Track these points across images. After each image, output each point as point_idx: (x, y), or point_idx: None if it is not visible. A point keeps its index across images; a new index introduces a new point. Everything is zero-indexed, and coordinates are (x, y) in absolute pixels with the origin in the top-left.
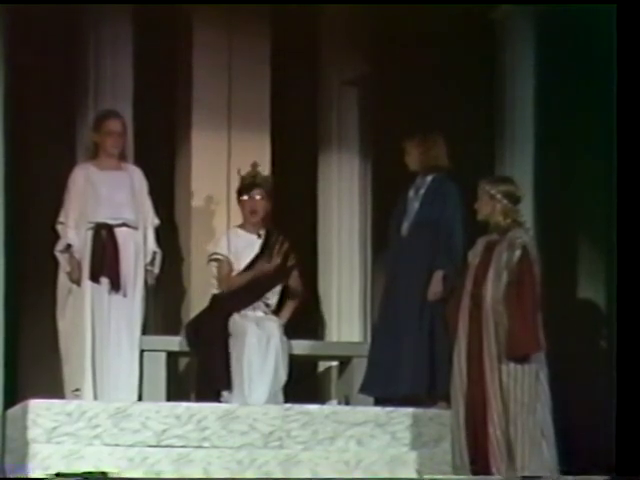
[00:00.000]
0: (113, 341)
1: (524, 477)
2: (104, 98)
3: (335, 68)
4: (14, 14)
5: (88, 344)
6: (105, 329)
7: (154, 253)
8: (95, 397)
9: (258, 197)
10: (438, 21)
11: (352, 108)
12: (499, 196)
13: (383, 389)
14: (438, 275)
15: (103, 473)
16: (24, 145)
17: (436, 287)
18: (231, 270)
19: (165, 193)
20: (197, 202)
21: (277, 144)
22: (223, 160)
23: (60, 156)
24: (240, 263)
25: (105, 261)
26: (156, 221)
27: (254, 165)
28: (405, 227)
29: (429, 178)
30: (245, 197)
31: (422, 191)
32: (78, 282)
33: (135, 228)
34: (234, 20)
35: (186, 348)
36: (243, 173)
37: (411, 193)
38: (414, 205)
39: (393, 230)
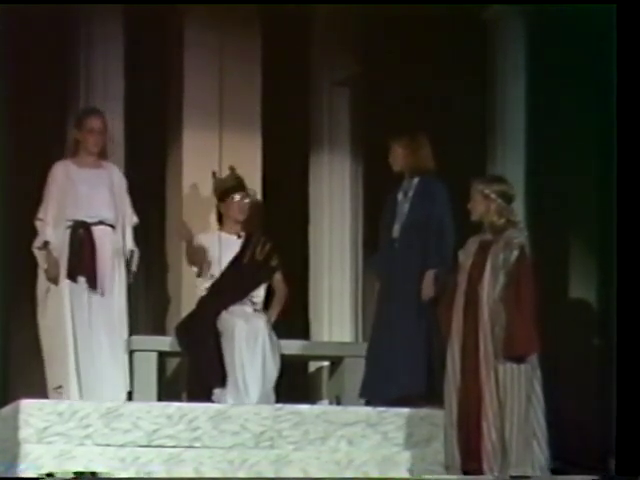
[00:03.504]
0: (94, 340)
1: (513, 477)
2: (95, 98)
3: (326, 69)
4: (4, 13)
5: (70, 342)
6: (85, 328)
7: (131, 252)
8: (80, 396)
9: (246, 199)
10: (429, 21)
11: (343, 109)
12: (493, 195)
13: (381, 392)
14: (430, 275)
15: (94, 473)
16: (15, 144)
17: (428, 287)
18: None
19: (156, 192)
20: (188, 202)
21: (268, 145)
22: (214, 160)
23: (52, 155)
24: (221, 264)
25: (82, 260)
26: (134, 219)
27: (232, 168)
28: (396, 229)
29: (416, 180)
30: (235, 198)
31: (411, 193)
32: (55, 280)
33: (112, 227)
34: (225, 20)
35: (177, 348)
36: (222, 176)
37: (400, 196)
38: (404, 207)
39: (384, 233)
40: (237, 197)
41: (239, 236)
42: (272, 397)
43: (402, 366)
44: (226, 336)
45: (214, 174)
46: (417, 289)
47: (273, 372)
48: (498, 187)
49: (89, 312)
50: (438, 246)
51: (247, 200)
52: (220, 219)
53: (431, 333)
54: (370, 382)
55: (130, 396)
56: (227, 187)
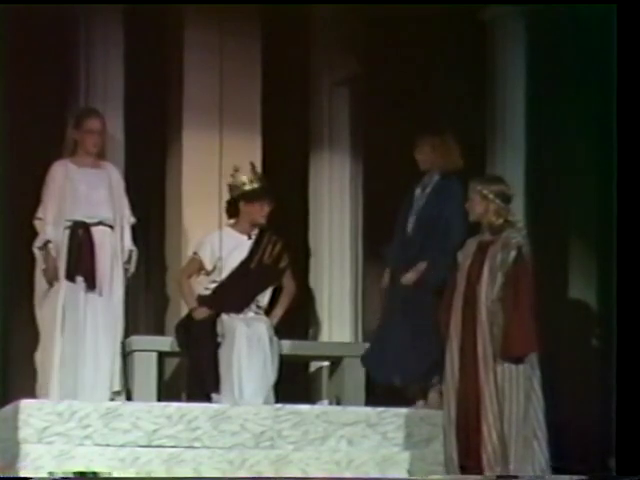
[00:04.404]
0: (89, 339)
1: (499, 477)
2: (95, 98)
3: (326, 69)
4: (4, 13)
5: (57, 341)
6: (79, 328)
7: (130, 251)
8: (61, 396)
9: (268, 204)
10: (429, 21)
11: (343, 108)
12: (491, 196)
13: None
14: (421, 266)
15: (94, 473)
16: (15, 145)
17: (412, 275)
18: (199, 270)
19: (156, 193)
20: (188, 202)
21: (268, 144)
22: (214, 160)
23: (51, 155)
24: (229, 264)
25: (81, 260)
26: (132, 219)
27: (253, 165)
28: (410, 225)
29: (436, 177)
30: (263, 202)
31: (428, 189)
32: (52, 281)
33: (111, 227)
34: (225, 20)
35: (177, 348)
36: (244, 175)
37: (418, 191)
38: (419, 203)
39: (399, 227)
40: (265, 202)
41: (250, 237)
42: (271, 398)
43: (397, 358)
44: (226, 340)
45: (237, 170)
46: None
47: (271, 377)
48: (496, 187)
49: (85, 312)
50: (441, 243)
51: (270, 205)
52: (233, 215)
53: (429, 330)
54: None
55: (114, 396)
56: (254, 189)
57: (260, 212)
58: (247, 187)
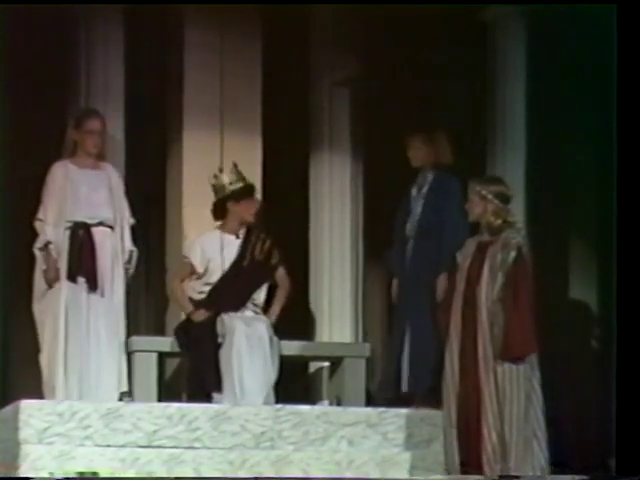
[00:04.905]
0: (91, 340)
1: (501, 477)
2: (95, 98)
3: (326, 69)
4: (4, 13)
5: (61, 342)
6: (82, 328)
7: (130, 252)
8: (67, 395)
9: (256, 202)
10: (429, 21)
11: (344, 109)
12: (490, 196)
13: (388, 388)
14: (444, 277)
15: (94, 473)
16: (15, 145)
17: (441, 289)
18: (191, 274)
19: (156, 192)
20: (188, 202)
21: (269, 145)
22: (215, 160)
23: (51, 155)
24: (221, 265)
25: (82, 261)
26: (132, 220)
27: (235, 165)
28: (409, 227)
29: (430, 176)
30: (251, 200)
31: (425, 189)
32: (52, 282)
33: (111, 227)
34: (225, 20)
35: (177, 349)
36: (227, 176)
37: (414, 192)
38: (417, 204)
39: (398, 230)
40: (253, 199)
41: (237, 236)
42: (271, 398)
43: (412, 366)
44: (226, 340)
45: (221, 170)
46: (431, 290)
47: (271, 377)
48: (495, 188)
49: (87, 313)
50: (451, 245)
51: (258, 203)
52: (221, 216)
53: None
54: (387, 380)
55: (122, 397)
56: (241, 188)
57: (249, 210)
58: (232, 187)
